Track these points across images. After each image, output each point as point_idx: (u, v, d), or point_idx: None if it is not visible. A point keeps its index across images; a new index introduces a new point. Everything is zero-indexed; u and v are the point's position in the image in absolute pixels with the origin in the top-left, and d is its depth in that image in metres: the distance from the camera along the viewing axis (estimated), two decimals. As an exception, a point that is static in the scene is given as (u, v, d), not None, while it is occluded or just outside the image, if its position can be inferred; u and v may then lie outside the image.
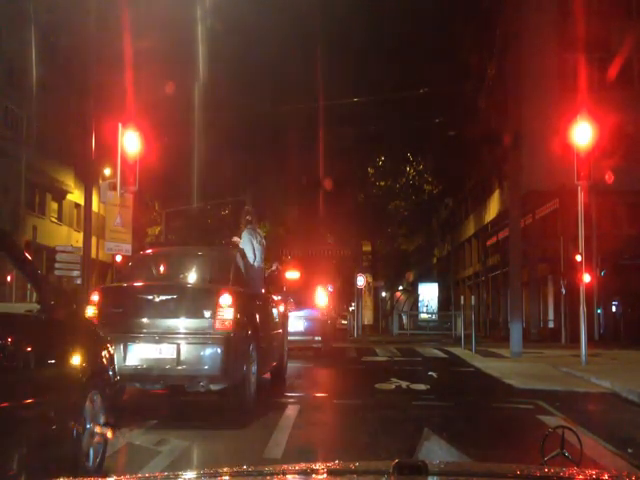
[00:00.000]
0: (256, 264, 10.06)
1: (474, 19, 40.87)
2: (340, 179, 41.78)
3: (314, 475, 2.43)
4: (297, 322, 16.25)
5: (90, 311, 7.69)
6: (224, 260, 9.20)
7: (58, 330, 4.79)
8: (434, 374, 13.48)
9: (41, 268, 23.37)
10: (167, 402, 8.96)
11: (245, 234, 10.29)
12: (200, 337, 7.42)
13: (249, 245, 10.08)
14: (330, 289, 23.61)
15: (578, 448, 2.61)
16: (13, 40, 28.99)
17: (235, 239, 10.58)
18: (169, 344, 7.40)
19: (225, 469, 2.45)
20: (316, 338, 16.98)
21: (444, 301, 46.89)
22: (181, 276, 9.02)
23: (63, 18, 29.11)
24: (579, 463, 2.54)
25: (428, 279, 51.47)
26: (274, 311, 10.30)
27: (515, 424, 7.99)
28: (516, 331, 17.42)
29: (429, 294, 45.72)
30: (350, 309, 40.44)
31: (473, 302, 20.98)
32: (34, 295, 4.79)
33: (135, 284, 8.31)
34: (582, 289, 15.38)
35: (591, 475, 2.34)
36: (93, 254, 19.21)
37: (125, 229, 14.38)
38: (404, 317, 40.65)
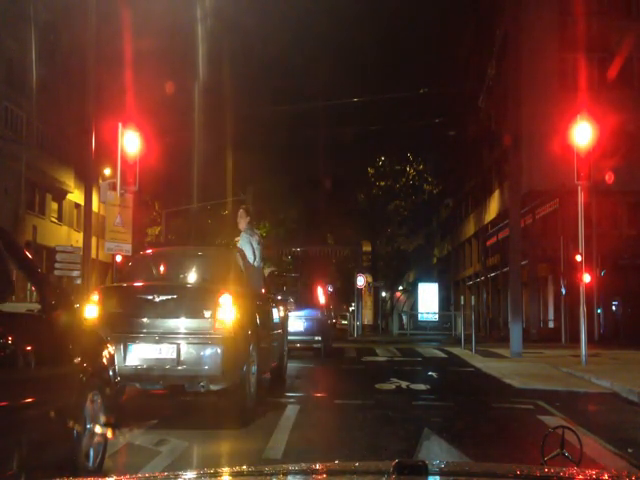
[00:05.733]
0: (256, 264, 10.06)
1: (474, 19, 40.88)
2: (340, 179, 41.82)
3: (314, 475, 2.43)
4: (297, 322, 16.24)
5: (90, 311, 7.69)
6: (224, 260, 9.20)
7: (59, 330, 4.80)
8: (434, 374, 13.49)
9: (41, 268, 23.32)
10: (167, 402, 8.96)
11: (244, 235, 10.29)
12: (200, 337, 7.42)
13: (248, 245, 10.07)
14: (330, 289, 23.62)
15: (578, 448, 2.60)
16: (13, 40, 28.98)
17: (237, 239, 10.59)
18: (169, 344, 7.40)
19: (225, 469, 2.45)
20: (316, 338, 16.96)
21: (444, 301, 46.93)
22: (181, 276, 9.02)
23: (63, 18, 29.13)
24: (579, 463, 2.54)
25: (428, 279, 51.45)
26: (274, 311, 10.30)
27: (515, 424, 7.99)
28: (516, 331, 17.42)
29: (429, 294, 45.67)
30: (350, 309, 40.43)
31: (473, 302, 20.98)
32: (34, 295, 4.79)
33: (135, 284, 8.31)
34: (582, 289, 15.38)
35: (591, 475, 2.34)
36: (93, 254, 19.20)
37: (125, 229, 14.36)
38: (404, 317, 40.65)
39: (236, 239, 10.63)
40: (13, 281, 4.26)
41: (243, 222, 10.39)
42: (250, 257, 9.90)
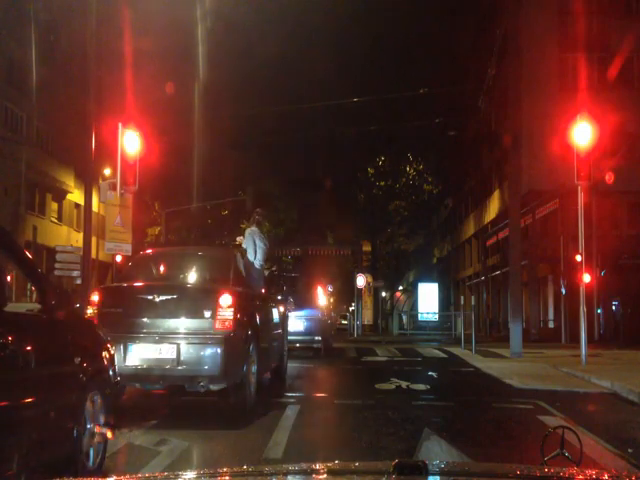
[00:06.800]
0: (257, 264, 10.07)
1: (474, 19, 40.87)
2: (340, 179, 41.84)
3: (314, 475, 2.43)
4: (297, 322, 16.26)
5: (90, 311, 7.69)
6: (224, 260, 9.20)
7: (59, 330, 4.80)
8: (434, 374, 13.49)
9: (41, 268, 23.32)
10: (167, 402, 8.96)
11: (248, 232, 10.34)
12: (200, 337, 7.42)
13: (251, 243, 10.10)
14: (330, 289, 23.62)
15: (578, 448, 2.60)
16: (13, 40, 28.98)
17: (239, 239, 10.62)
18: (169, 344, 7.40)
19: (225, 469, 2.45)
20: (316, 338, 16.98)
21: (444, 301, 46.95)
22: (181, 276, 9.02)
23: (63, 18, 29.13)
24: (579, 463, 2.54)
25: (428, 279, 51.46)
26: (274, 311, 10.30)
27: (515, 424, 7.99)
28: (516, 331, 17.42)
29: (429, 294, 45.67)
30: (350, 309, 40.44)
31: (473, 302, 20.98)
32: (34, 295, 4.79)
33: (135, 284, 8.30)
34: (582, 289, 15.37)
35: (591, 475, 2.34)
36: (93, 254, 19.20)
37: (125, 229, 14.35)
38: (404, 317, 40.66)
39: (238, 238, 10.68)
40: (5, 292, 4.23)
41: (255, 221, 10.49)
42: (251, 255, 9.93)
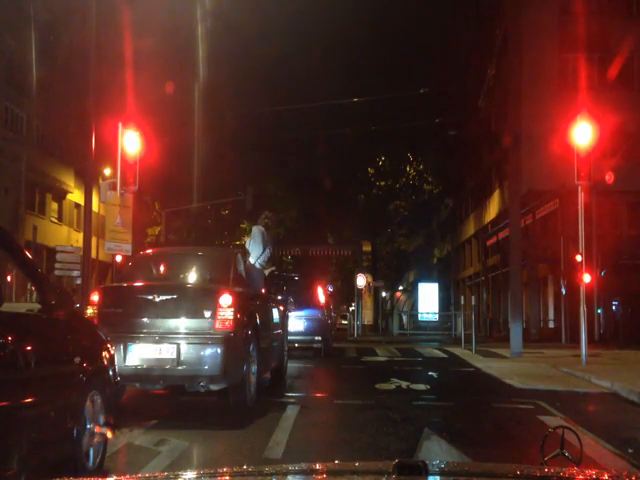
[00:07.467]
0: (257, 264, 10.07)
1: (474, 19, 40.88)
2: (340, 179, 41.86)
3: (314, 475, 2.43)
4: (297, 322, 16.25)
5: (90, 311, 7.70)
6: (224, 260, 9.21)
7: (59, 330, 4.80)
8: (434, 374, 13.50)
9: (41, 268, 23.30)
10: (167, 402, 8.96)
11: (257, 228, 10.39)
12: (200, 337, 7.42)
13: (259, 238, 10.13)
14: (330, 289, 23.62)
15: (578, 448, 2.60)
16: (13, 40, 28.98)
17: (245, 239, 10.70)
18: (169, 344, 7.40)
19: (225, 469, 2.45)
20: (316, 338, 16.98)
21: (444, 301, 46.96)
22: (181, 276, 9.02)
23: (63, 18, 29.13)
24: (579, 463, 2.54)
25: (428, 279, 51.46)
26: (274, 311, 10.30)
27: (515, 424, 7.99)
28: (516, 331, 17.41)
29: (429, 294, 45.67)
30: (350, 309, 40.44)
31: (473, 302, 20.98)
32: (34, 295, 4.79)
33: (135, 284, 8.31)
34: (582, 289, 15.37)
35: (591, 475, 2.34)
36: (93, 254, 19.20)
37: (125, 229, 14.34)
38: (404, 317, 40.66)
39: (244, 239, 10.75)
40: (2, 292, 4.22)
41: (265, 224, 10.54)
42: (257, 250, 9.96)
